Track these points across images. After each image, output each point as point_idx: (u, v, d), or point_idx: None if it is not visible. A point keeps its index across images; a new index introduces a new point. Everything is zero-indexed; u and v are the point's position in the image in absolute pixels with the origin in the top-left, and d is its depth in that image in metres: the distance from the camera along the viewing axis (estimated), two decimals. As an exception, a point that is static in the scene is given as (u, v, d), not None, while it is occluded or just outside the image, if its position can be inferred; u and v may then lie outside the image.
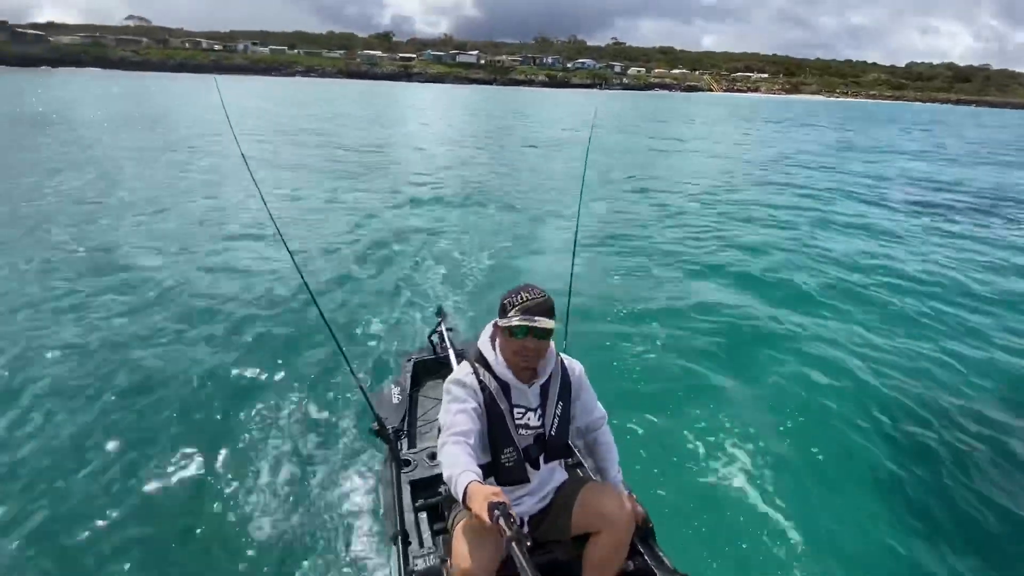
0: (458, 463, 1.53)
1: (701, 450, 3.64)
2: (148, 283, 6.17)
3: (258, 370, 4.46)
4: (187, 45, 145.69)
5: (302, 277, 2.56)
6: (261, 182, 2.94)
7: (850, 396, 4.48)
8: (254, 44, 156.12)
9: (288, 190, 11.51)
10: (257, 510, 2.88)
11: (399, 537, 1.90)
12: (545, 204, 11.21)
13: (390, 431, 2.38)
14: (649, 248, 8.48)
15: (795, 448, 3.75)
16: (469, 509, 1.42)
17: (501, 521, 1.31)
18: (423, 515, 2.13)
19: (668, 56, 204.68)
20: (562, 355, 1.93)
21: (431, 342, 3.69)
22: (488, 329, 1.87)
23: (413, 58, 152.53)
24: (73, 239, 7.61)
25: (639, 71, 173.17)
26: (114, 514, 2.93)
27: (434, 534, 2.09)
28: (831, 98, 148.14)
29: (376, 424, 2.39)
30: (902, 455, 3.76)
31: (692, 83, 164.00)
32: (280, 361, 4.60)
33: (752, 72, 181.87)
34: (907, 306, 6.41)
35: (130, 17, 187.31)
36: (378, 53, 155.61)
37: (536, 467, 1.83)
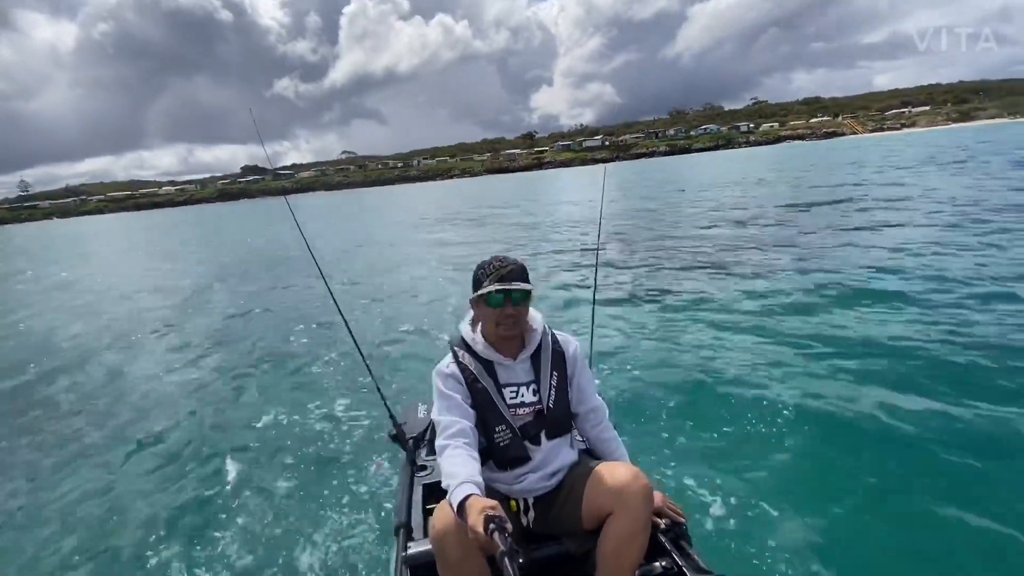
0: (458, 472, 1.51)
1: (749, 446, 3.22)
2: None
3: (295, 383, 5.04)
4: (379, 166, 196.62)
5: (337, 306, 2.85)
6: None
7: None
8: (424, 159, 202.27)
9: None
10: (270, 504, 3.07)
11: (401, 529, 1.88)
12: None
13: (408, 438, 2.51)
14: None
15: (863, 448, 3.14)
16: (464, 520, 1.39)
17: (496, 536, 1.28)
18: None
19: (811, 106, 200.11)
20: (555, 331, 1.92)
21: None
22: (468, 313, 1.85)
23: (545, 150, 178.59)
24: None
25: (771, 126, 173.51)
26: (140, 495, 3.29)
27: None
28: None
29: (394, 429, 2.53)
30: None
31: (831, 129, 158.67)
32: (314, 377, 5.13)
33: (908, 108, 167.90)
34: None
35: (343, 153, 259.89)
36: (517, 151, 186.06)
37: (536, 443, 1.77)
